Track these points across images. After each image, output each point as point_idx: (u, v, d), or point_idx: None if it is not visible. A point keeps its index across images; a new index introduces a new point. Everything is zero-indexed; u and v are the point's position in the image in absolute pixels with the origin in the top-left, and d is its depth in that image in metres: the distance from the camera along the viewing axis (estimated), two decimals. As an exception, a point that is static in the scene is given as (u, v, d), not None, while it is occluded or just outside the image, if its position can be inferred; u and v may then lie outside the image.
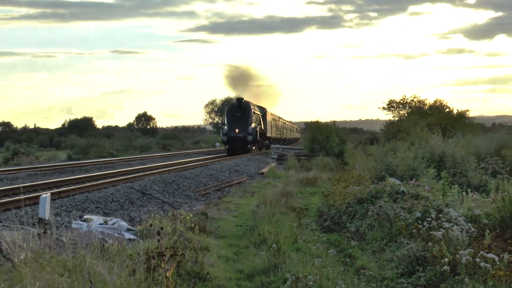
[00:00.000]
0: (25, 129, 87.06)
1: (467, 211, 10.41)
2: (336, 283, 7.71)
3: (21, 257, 6.25)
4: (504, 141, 21.30)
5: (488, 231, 8.95)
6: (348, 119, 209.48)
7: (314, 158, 34.64)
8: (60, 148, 64.24)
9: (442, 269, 7.70)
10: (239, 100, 47.47)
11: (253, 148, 47.71)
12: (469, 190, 12.28)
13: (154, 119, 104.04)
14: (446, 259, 7.81)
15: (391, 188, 13.61)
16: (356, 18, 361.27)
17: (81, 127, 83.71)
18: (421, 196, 12.30)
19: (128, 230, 10.91)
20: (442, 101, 40.34)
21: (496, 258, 7.38)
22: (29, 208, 11.91)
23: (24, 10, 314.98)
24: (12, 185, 18.33)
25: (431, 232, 9.15)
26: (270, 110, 60.93)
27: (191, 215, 11.64)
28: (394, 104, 41.63)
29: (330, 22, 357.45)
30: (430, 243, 8.73)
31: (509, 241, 8.51)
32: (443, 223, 9.30)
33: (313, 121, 46.33)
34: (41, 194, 11.55)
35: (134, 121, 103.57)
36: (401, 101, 41.35)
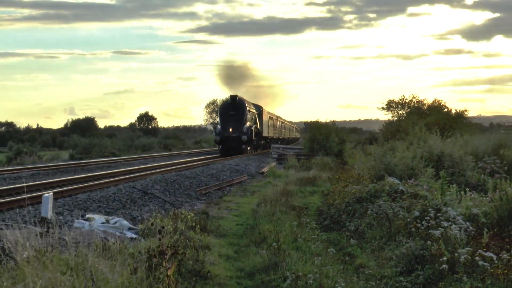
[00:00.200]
0: (28, 129, 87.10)
1: (465, 210, 10.46)
2: (336, 281, 7.77)
3: (24, 255, 6.31)
4: (502, 141, 21.34)
5: (486, 230, 9.00)
6: (347, 119, 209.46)
7: (314, 157, 34.68)
8: (62, 148, 64.25)
9: (440, 267, 7.76)
10: (233, 97, 44.30)
11: (248, 148, 45.06)
12: (467, 189, 12.33)
13: (155, 119, 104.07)
14: (445, 258, 7.87)
15: (390, 188, 13.67)
16: (355, 19, 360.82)
17: (84, 127, 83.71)
18: (420, 195, 12.36)
19: (129, 229, 10.98)
20: (440, 101, 40.40)
21: (494, 257, 7.43)
22: (32, 207, 12.02)
23: (27, 11, 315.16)
24: (15, 184, 18.40)
25: (429, 231, 9.21)
26: (266, 108, 58.58)
27: (192, 214, 11.70)
28: (393, 104, 41.66)
29: (329, 23, 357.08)
30: (428, 242, 8.79)
31: (507, 239, 8.56)
32: (442, 222, 9.36)
33: (312, 121, 46.10)
34: (43, 194, 11.63)
35: (135, 121, 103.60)
36: (400, 101, 41.38)
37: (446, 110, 39.16)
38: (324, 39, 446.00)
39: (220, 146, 43.01)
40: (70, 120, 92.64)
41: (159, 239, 6.79)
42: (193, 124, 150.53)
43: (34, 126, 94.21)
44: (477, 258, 7.48)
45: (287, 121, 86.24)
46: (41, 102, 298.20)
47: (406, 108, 41.19)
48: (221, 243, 11.08)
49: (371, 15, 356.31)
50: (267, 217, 13.02)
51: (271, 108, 68.63)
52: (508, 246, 8.11)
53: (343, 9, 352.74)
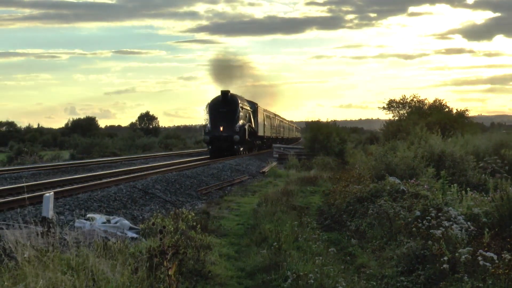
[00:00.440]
0: (28, 129, 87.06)
1: (466, 210, 10.46)
2: (337, 281, 7.77)
3: (25, 255, 6.31)
4: (503, 140, 21.33)
5: (487, 229, 9.00)
6: (348, 119, 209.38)
7: (315, 157, 34.67)
8: (63, 147, 64.33)
9: (441, 267, 7.76)
10: (224, 93, 40.18)
11: (241, 149, 41.02)
12: (468, 189, 12.32)
13: (156, 118, 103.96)
14: (446, 258, 7.87)
15: (391, 187, 13.68)
16: (356, 19, 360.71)
17: (84, 127, 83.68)
18: (421, 195, 12.36)
19: (130, 228, 10.99)
20: (441, 101, 40.37)
21: (495, 257, 7.43)
22: (33, 207, 12.03)
23: (27, 11, 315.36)
24: (16, 184, 18.41)
25: (430, 231, 9.21)
26: (263, 106, 54.76)
27: (193, 214, 11.72)
28: (394, 104, 41.61)
29: (330, 23, 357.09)
30: (429, 242, 8.79)
31: (508, 239, 8.56)
32: (443, 222, 9.36)
33: (313, 120, 45.96)
34: (44, 193, 11.63)
35: (136, 120, 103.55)
36: (401, 101, 41.35)
37: (447, 109, 39.13)
38: (325, 39, 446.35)
39: (210, 147, 39.56)
40: (71, 119, 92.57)
41: (160, 239, 6.79)
42: (193, 124, 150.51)
43: (35, 126, 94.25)
44: (478, 258, 7.48)
45: (287, 120, 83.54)
46: (41, 101, 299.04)
47: (407, 107, 41.16)
48: (222, 242, 11.08)
49: (372, 15, 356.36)
50: (268, 217, 13.02)
51: (272, 107, 67.21)
52: (509, 246, 8.10)
53: (344, 8, 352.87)
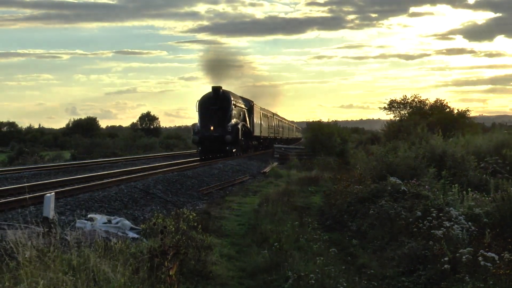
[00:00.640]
0: (29, 129, 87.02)
1: (467, 210, 10.47)
2: (338, 281, 7.78)
3: (26, 255, 6.32)
4: (504, 141, 21.31)
5: (488, 230, 9.00)
6: (349, 119, 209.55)
7: (316, 157, 34.67)
8: (64, 148, 64.33)
9: (442, 267, 7.77)
10: (216, 89, 36.86)
11: (234, 150, 37.69)
12: (469, 189, 12.32)
13: (157, 119, 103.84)
14: (447, 258, 7.88)
15: (392, 188, 13.67)
16: (357, 19, 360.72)
17: (85, 127, 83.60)
18: (422, 196, 12.36)
19: (131, 229, 10.99)
20: (442, 101, 40.33)
21: (496, 257, 7.45)
22: (34, 207, 12.03)
23: (29, 11, 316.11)
24: (17, 184, 18.40)
25: (431, 231, 9.22)
26: (259, 104, 51.38)
27: (194, 214, 11.71)
28: (395, 104, 41.53)
29: (331, 23, 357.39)
30: (430, 242, 8.80)
31: (509, 239, 8.56)
32: (444, 222, 9.37)
33: (314, 121, 45.75)
34: (45, 194, 11.64)
35: (137, 121, 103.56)
36: (402, 101, 41.29)
37: (448, 110, 39.10)
38: (326, 39, 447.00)
39: (200, 148, 36.50)
40: (72, 120, 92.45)
41: (161, 239, 6.80)
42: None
43: (36, 126, 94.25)
44: (479, 258, 7.49)
45: (286, 120, 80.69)
46: (43, 102, 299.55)
47: (408, 108, 41.10)
48: (223, 243, 11.08)
49: (373, 15, 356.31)
50: (269, 217, 13.02)
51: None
52: (510, 246, 8.11)
53: (345, 9, 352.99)
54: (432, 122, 31.78)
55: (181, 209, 12.86)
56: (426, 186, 13.57)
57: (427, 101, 41.24)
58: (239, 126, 37.21)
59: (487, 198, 11.64)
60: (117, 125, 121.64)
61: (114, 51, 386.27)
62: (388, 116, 42.58)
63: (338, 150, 38.71)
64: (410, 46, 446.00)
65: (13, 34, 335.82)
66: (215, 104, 36.11)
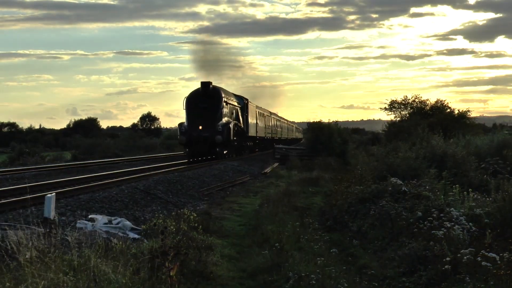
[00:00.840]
0: (30, 130, 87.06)
1: (468, 211, 10.47)
2: (338, 282, 7.78)
3: (27, 256, 6.33)
4: (505, 141, 21.32)
5: (489, 230, 9.00)
6: (350, 120, 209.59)
7: (317, 158, 34.66)
8: (65, 148, 64.33)
9: (443, 268, 7.77)
10: (205, 85, 33.76)
11: (225, 152, 34.62)
12: (470, 190, 12.32)
13: (158, 119, 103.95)
14: (448, 258, 7.88)
15: (393, 188, 13.67)
16: (357, 20, 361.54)
17: (86, 128, 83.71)
18: (423, 196, 12.35)
19: (132, 229, 11.00)
20: (443, 102, 40.26)
21: (497, 257, 7.45)
22: (35, 208, 12.03)
23: (29, 12, 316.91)
24: (18, 185, 18.41)
25: (432, 232, 9.22)
26: (255, 102, 48.81)
27: (195, 215, 11.71)
28: (395, 105, 41.45)
29: (331, 24, 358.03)
30: (431, 243, 8.80)
31: (510, 240, 8.56)
32: (444, 223, 9.37)
33: (315, 121, 45.41)
34: (46, 194, 11.64)
35: (138, 121, 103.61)
36: (403, 102, 41.22)
37: (448, 110, 39.04)
38: (327, 40, 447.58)
39: (187, 150, 33.58)
40: (73, 120, 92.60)
41: (162, 240, 6.80)
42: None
43: (37, 127, 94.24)
44: (480, 258, 7.49)
45: (285, 120, 78.47)
46: (43, 102, 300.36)
47: (409, 108, 41.03)
48: (224, 243, 11.08)
49: (374, 16, 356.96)
50: (269, 218, 13.02)
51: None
52: (511, 247, 8.11)
53: (346, 9, 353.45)
54: (432, 122, 31.73)
55: (181, 210, 12.86)
56: (427, 187, 13.57)
57: (427, 102, 41.17)
58: (231, 126, 34.13)
59: (488, 199, 11.64)
60: (118, 125, 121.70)
61: (114, 51, 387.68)
62: (389, 116, 42.52)
63: (338, 150, 38.70)
64: (411, 47, 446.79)
65: (14, 35, 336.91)
66: (204, 102, 33.27)
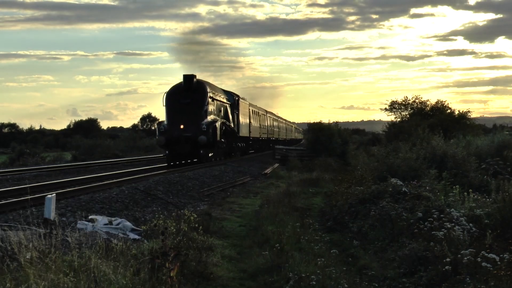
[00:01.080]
0: (30, 130, 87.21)
1: (468, 211, 10.48)
2: (339, 282, 7.78)
3: (27, 257, 6.33)
4: (506, 142, 21.35)
5: (489, 231, 9.01)
6: (350, 120, 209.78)
7: (317, 158, 34.68)
8: (65, 149, 64.37)
9: (443, 268, 7.77)
10: (188, 78, 29.79)
11: (210, 155, 30.42)
12: (470, 190, 12.33)
13: (158, 120, 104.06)
14: (448, 259, 7.88)
15: (393, 189, 13.67)
16: (357, 20, 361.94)
17: (86, 128, 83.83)
18: (423, 197, 12.35)
19: (132, 230, 11.00)
20: (443, 102, 40.29)
21: (497, 258, 7.45)
22: (35, 208, 12.03)
23: (29, 13, 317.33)
24: (18, 185, 18.42)
25: (432, 232, 9.22)
26: (249, 100, 45.20)
27: (195, 215, 11.71)
28: (396, 105, 41.47)
29: (332, 24, 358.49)
30: (431, 243, 8.80)
31: (510, 241, 8.57)
32: (445, 223, 9.37)
33: (315, 122, 45.35)
34: (46, 195, 11.64)
35: (138, 122, 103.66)
36: (403, 102, 41.24)
37: (449, 111, 39.08)
38: (327, 40, 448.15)
39: (167, 152, 29.38)
40: (73, 121, 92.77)
41: (162, 240, 6.80)
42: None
43: (37, 127, 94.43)
44: (480, 259, 7.49)
45: (284, 119, 75.28)
46: (43, 103, 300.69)
47: (409, 109, 41.06)
48: (224, 244, 11.08)
49: (374, 16, 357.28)
50: (270, 218, 13.02)
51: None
52: (511, 247, 8.11)
53: (346, 10, 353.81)
54: (433, 123, 31.75)
55: (182, 210, 12.86)
56: (427, 187, 13.58)
57: (428, 102, 41.22)
58: (217, 125, 30.03)
59: (488, 200, 11.65)
60: (118, 126, 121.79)
61: (115, 52, 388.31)
62: (389, 117, 42.56)
63: (339, 151, 38.74)
64: (411, 47, 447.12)
65: (14, 35, 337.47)
66: (186, 97, 29.32)
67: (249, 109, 43.50)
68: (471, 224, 9.51)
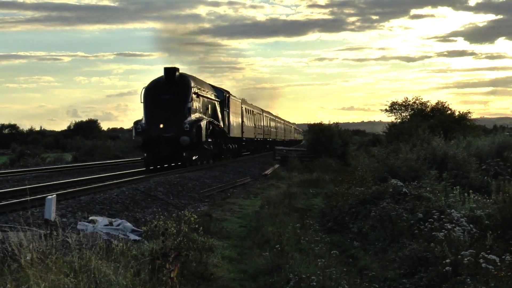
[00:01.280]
0: (31, 131, 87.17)
1: (468, 212, 10.48)
2: (339, 283, 7.78)
3: (28, 258, 6.33)
4: (506, 143, 21.35)
5: (489, 232, 9.01)
6: (350, 121, 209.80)
7: (317, 159, 34.68)
8: (66, 150, 64.36)
9: (444, 269, 7.77)
10: (170, 71, 26.55)
11: (194, 158, 27.30)
12: (470, 191, 12.33)
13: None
14: (448, 260, 7.88)
15: (394, 189, 13.68)
16: (358, 21, 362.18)
17: (87, 129, 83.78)
18: (423, 197, 12.36)
19: (133, 231, 10.99)
20: (444, 103, 40.31)
21: (498, 259, 7.46)
22: (35, 209, 12.04)
23: (30, 14, 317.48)
24: (18, 186, 18.42)
25: (433, 233, 9.22)
26: (240, 97, 41.50)
27: (195, 216, 11.71)
28: (396, 106, 41.48)
29: (332, 25, 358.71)
30: (432, 244, 8.80)
31: (511, 242, 8.57)
32: (445, 224, 9.38)
33: (316, 123, 45.32)
34: (47, 196, 11.65)
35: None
36: (403, 103, 41.26)
37: (449, 112, 39.09)
38: (327, 41, 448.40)
39: (145, 154, 26.24)
40: (73, 122, 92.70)
41: (162, 241, 6.81)
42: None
43: (37, 128, 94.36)
44: (480, 260, 7.49)
45: (282, 119, 71.89)
46: (44, 104, 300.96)
47: (409, 110, 41.07)
48: (224, 245, 11.08)
49: (374, 17, 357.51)
50: (270, 219, 13.02)
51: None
52: (511, 248, 8.11)
53: (346, 11, 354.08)
54: (433, 124, 31.78)
55: (182, 211, 12.87)
56: (428, 188, 13.58)
57: (428, 103, 41.24)
58: (203, 124, 26.63)
59: (488, 200, 11.65)
60: (118, 127, 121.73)
61: (115, 53, 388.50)
62: (390, 118, 42.58)
63: (339, 152, 38.74)
64: (411, 48, 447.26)
65: (14, 36, 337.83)
66: (167, 92, 26.07)
67: (242, 107, 40.14)
68: (471, 225, 9.51)
